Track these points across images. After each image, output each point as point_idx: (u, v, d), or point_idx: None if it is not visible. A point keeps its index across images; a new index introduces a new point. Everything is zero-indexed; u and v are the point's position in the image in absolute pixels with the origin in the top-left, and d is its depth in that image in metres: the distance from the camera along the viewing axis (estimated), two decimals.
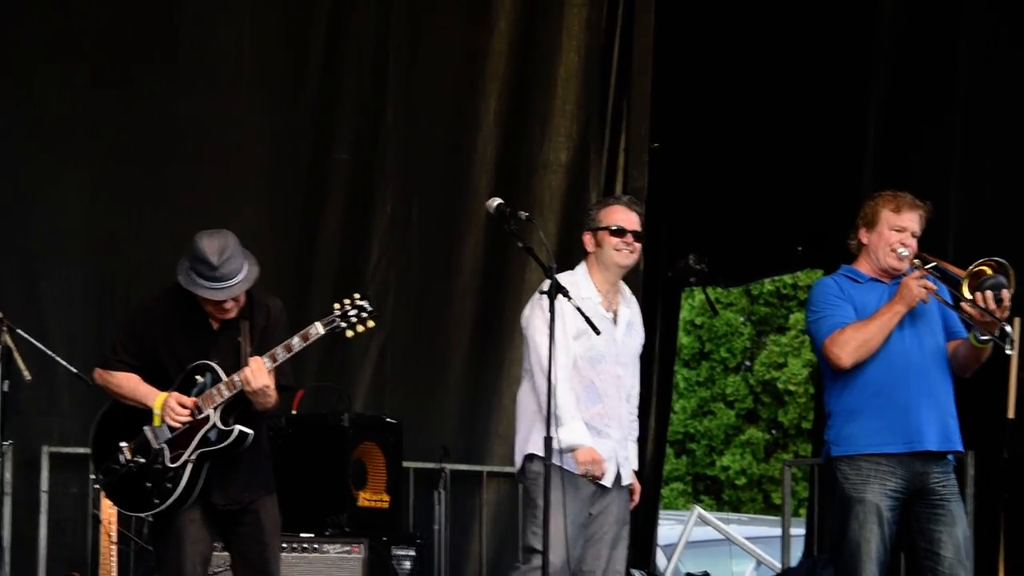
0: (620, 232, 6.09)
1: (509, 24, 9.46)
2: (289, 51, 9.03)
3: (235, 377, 5.80)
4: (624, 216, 6.11)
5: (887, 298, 6.04)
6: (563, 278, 5.92)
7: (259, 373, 5.76)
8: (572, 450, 5.96)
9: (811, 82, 9.31)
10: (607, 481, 6.03)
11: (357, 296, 5.83)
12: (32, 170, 8.46)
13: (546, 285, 5.80)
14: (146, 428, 5.93)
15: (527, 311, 6.12)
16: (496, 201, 6.01)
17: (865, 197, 6.12)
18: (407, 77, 9.25)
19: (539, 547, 5.76)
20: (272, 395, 5.86)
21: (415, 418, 8.87)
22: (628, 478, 6.14)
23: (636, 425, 6.29)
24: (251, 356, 5.81)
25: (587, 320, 5.83)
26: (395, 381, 9.18)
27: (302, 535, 7.43)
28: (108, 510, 6.77)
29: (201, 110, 8.77)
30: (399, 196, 9.24)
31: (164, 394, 5.89)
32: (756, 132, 9.60)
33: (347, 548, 7.46)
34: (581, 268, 6.17)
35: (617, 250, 6.09)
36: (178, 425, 5.84)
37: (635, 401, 6.25)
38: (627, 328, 6.14)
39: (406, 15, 9.25)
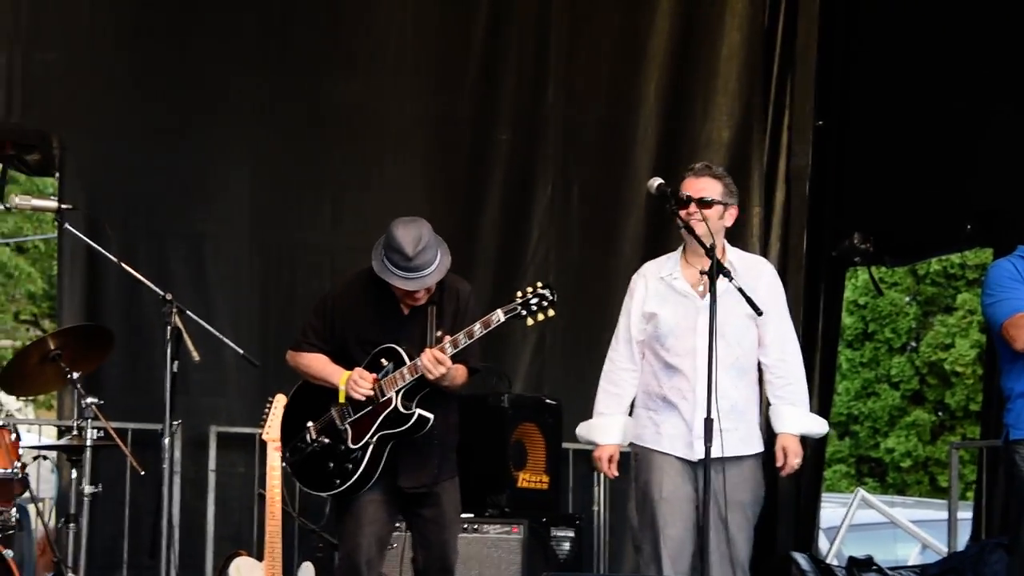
0: (683, 202, 5.99)
1: (671, 2, 9.41)
2: (451, 33, 9.08)
3: (417, 362, 5.85)
4: (691, 185, 6.03)
5: None
6: (659, 261, 6.14)
7: (438, 361, 5.80)
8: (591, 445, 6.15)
9: (982, 54, 9.09)
10: (687, 455, 5.95)
11: (539, 284, 5.90)
12: (199, 155, 8.63)
13: (648, 268, 6.10)
14: (333, 408, 6.04)
15: None
16: (657, 181, 5.99)
17: None
18: (568, 57, 9.25)
19: (636, 528, 5.95)
20: (456, 377, 5.93)
21: (575, 399, 8.84)
22: (728, 450, 5.86)
23: (792, 389, 6.09)
24: (438, 340, 5.86)
25: (747, 300, 5.78)
26: (555, 362, 9.20)
27: (462, 515, 7.46)
28: (274, 490, 6.86)
29: (363, 93, 8.87)
30: (559, 176, 9.25)
31: (348, 372, 5.97)
32: (923, 107, 9.40)
33: (507, 528, 7.50)
34: (680, 248, 6.15)
35: (684, 220, 5.98)
36: (360, 397, 5.92)
37: (779, 368, 6.07)
38: (725, 297, 5.89)
39: None
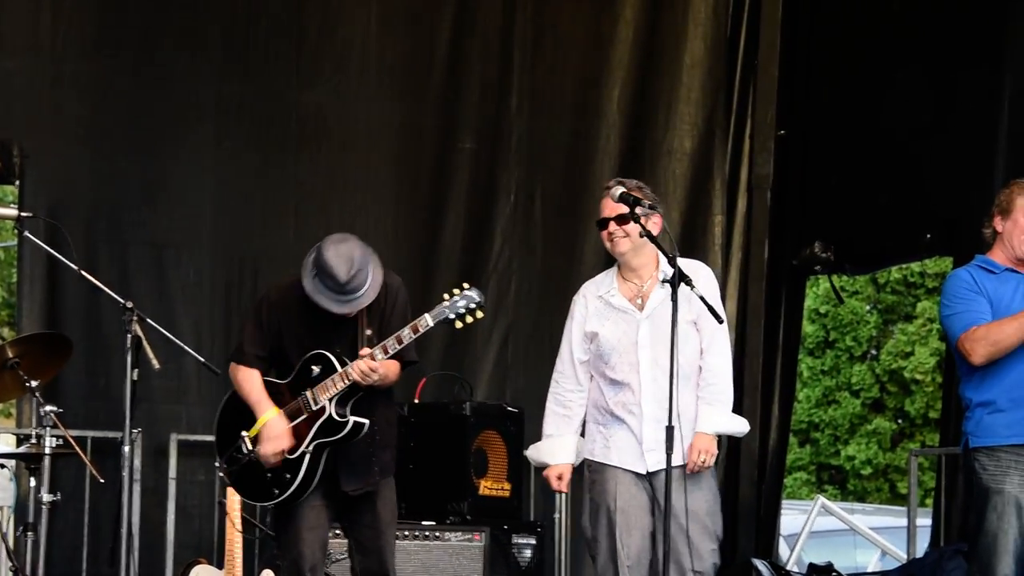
0: (601, 224, 6.07)
1: (635, 11, 9.43)
2: (415, 40, 9.08)
3: (348, 368, 5.85)
4: (605, 206, 6.07)
5: (1022, 288, 5.94)
6: (598, 280, 6.18)
7: (371, 369, 5.81)
8: (542, 466, 6.19)
9: (942, 66, 9.15)
10: (638, 468, 5.99)
11: (465, 286, 5.88)
12: (160, 162, 8.60)
13: (586, 288, 6.12)
14: None
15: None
16: (620, 189, 6.00)
17: (996, 183, 5.99)
18: (532, 65, 9.27)
19: (592, 540, 5.98)
20: (389, 375, 5.91)
21: (537, 407, 8.80)
22: (675, 460, 5.88)
23: (712, 389, 6.09)
24: (369, 339, 5.87)
25: (709, 308, 5.82)
26: (517, 369, 9.21)
27: (423, 523, 7.48)
28: (233, 498, 6.85)
29: (327, 100, 8.86)
30: (523, 184, 9.26)
31: (273, 411, 5.94)
32: (884, 118, 9.46)
33: (468, 536, 7.50)
34: (615, 265, 6.18)
35: (609, 243, 6.07)
36: (267, 458, 5.90)
37: (710, 373, 6.08)
38: (661, 307, 5.98)
39: (532, 3, 9.25)
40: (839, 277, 10.86)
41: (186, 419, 8.33)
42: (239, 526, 6.91)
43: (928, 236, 9.25)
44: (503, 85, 9.19)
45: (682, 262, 6.06)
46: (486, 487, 7.92)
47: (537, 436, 8.65)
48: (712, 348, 6.14)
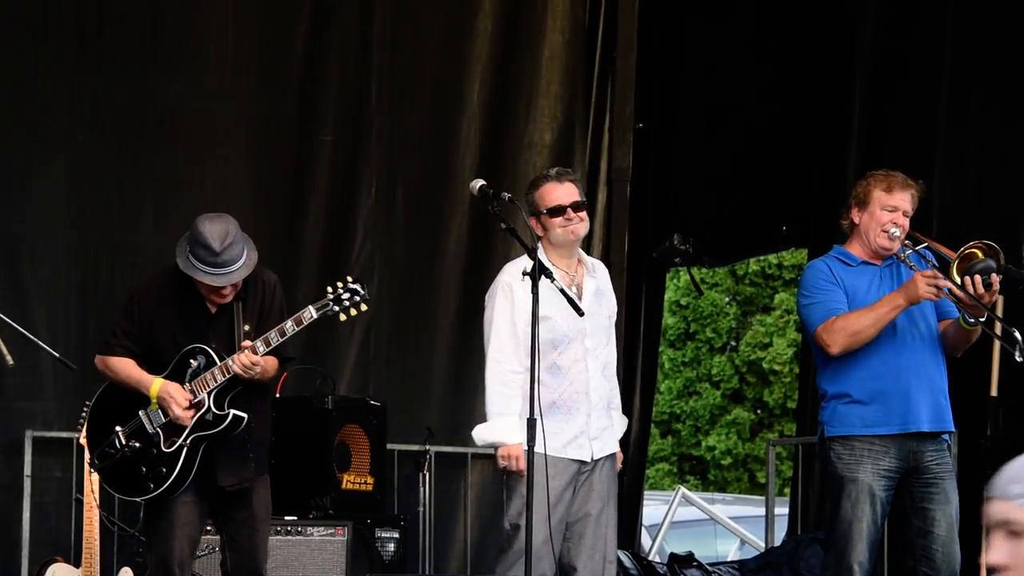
0: (560, 210, 6.06)
1: (493, 4, 9.44)
2: (272, 33, 9.00)
3: (228, 362, 5.81)
4: (559, 191, 6.09)
5: (878, 281, 6.04)
6: (521, 261, 6.04)
7: (250, 363, 5.77)
8: (494, 447, 6.07)
9: (796, 60, 9.29)
10: (584, 457, 6.03)
11: (350, 279, 5.87)
12: (14, 154, 8.43)
13: (516, 266, 5.94)
14: (141, 412, 5.95)
15: (489, 294, 6.15)
16: (479, 183, 6.00)
17: (850, 176, 6.06)
18: (391, 58, 9.23)
19: (520, 525, 5.84)
20: (268, 370, 5.89)
21: (400, 400, 8.87)
22: (608, 448, 6.09)
23: (616, 393, 6.27)
24: (247, 335, 5.83)
25: (569, 300, 5.84)
26: (380, 363, 9.18)
27: (286, 518, 7.43)
28: (91, 495, 6.75)
29: (185, 92, 8.74)
30: (384, 178, 9.23)
31: (159, 380, 5.89)
32: (741, 110, 9.58)
33: (331, 530, 7.45)
34: (539, 252, 6.15)
35: (563, 228, 6.06)
36: (174, 416, 5.85)
37: (612, 370, 6.23)
38: (595, 298, 6.09)
39: None
40: (698, 269, 10.97)
41: (42, 416, 8.18)
42: (98, 523, 6.81)
43: (784, 228, 9.39)
44: (362, 77, 9.15)
45: (594, 259, 6.20)
46: (349, 481, 7.88)
47: (400, 429, 8.72)
48: (613, 349, 6.25)
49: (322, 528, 7.45)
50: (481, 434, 6.15)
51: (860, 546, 5.89)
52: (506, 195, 5.98)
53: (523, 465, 5.95)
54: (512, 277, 6.11)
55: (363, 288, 5.84)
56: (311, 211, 9.04)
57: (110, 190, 8.60)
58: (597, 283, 6.14)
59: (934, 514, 5.94)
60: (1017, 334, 5.82)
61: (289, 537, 7.36)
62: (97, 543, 6.66)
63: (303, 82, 9.03)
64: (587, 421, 6.04)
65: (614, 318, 6.25)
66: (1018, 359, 5.84)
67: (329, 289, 5.83)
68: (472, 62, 9.40)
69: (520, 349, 6.01)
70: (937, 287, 5.84)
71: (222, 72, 8.81)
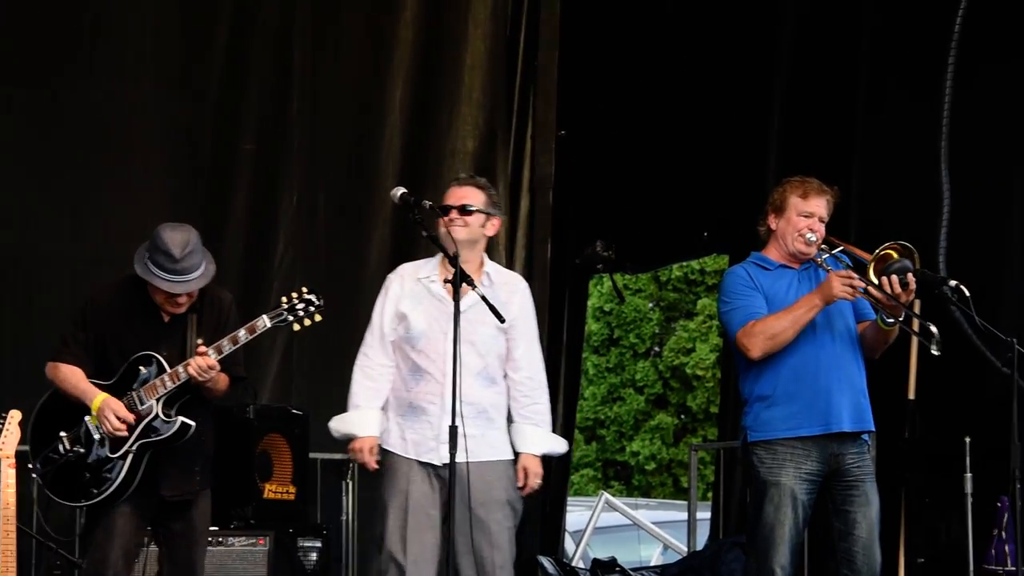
0: (445, 209, 6.11)
1: (415, 12, 9.43)
2: (192, 41, 8.95)
3: (179, 368, 5.79)
4: (453, 193, 6.15)
5: (796, 284, 6.10)
6: (418, 264, 6.20)
7: (209, 366, 5.76)
8: (347, 439, 6.13)
9: (716, 68, 9.38)
10: (433, 460, 6.02)
11: (305, 290, 5.92)
12: None
13: (403, 269, 6.11)
14: (87, 418, 5.93)
15: None
16: (400, 190, 6.03)
17: (768, 182, 6.12)
18: (312, 66, 9.21)
19: (379, 536, 5.97)
20: (219, 384, 5.90)
21: (323, 409, 8.79)
22: (478, 455, 6.01)
23: (537, 408, 6.21)
24: (201, 347, 5.80)
25: (491, 308, 5.85)
26: (302, 372, 9.14)
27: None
28: (8, 508, 6.68)
29: (103, 102, 8.69)
30: (305, 186, 9.20)
31: (103, 395, 5.87)
32: (662, 119, 9.65)
33: (252, 540, 7.43)
34: (439, 254, 6.20)
35: (444, 227, 6.10)
36: (109, 432, 5.82)
37: (523, 385, 6.18)
38: (478, 306, 6.05)
39: (311, 3, 9.20)
40: (621, 276, 11.04)
41: None
42: (14, 533, 6.75)
43: (705, 234, 9.47)
44: (283, 86, 9.12)
45: (503, 271, 6.23)
46: (271, 491, 7.85)
47: (323, 438, 8.65)
48: (532, 363, 6.23)
49: (243, 538, 7.43)
50: (336, 424, 6.21)
51: (782, 549, 5.94)
52: (427, 203, 6.01)
53: (370, 460, 6.05)
54: (396, 274, 6.20)
55: (318, 299, 5.89)
56: (231, 220, 8.99)
57: (27, 199, 8.53)
58: (491, 293, 6.03)
59: (855, 516, 6.01)
60: (933, 328, 5.91)
61: (210, 548, 7.31)
62: (14, 555, 6.59)
63: (223, 90, 8.99)
64: (440, 423, 6.01)
65: (514, 331, 6.15)
66: (935, 352, 5.93)
67: (284, 299, 5.87)
68: (394, 70, 9.39)
69: (387, 343, 6.12)
70: (852, 286, 5.92)
71: (141, 80, 8.75)
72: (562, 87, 9.91)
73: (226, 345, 5.81)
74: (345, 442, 6.24)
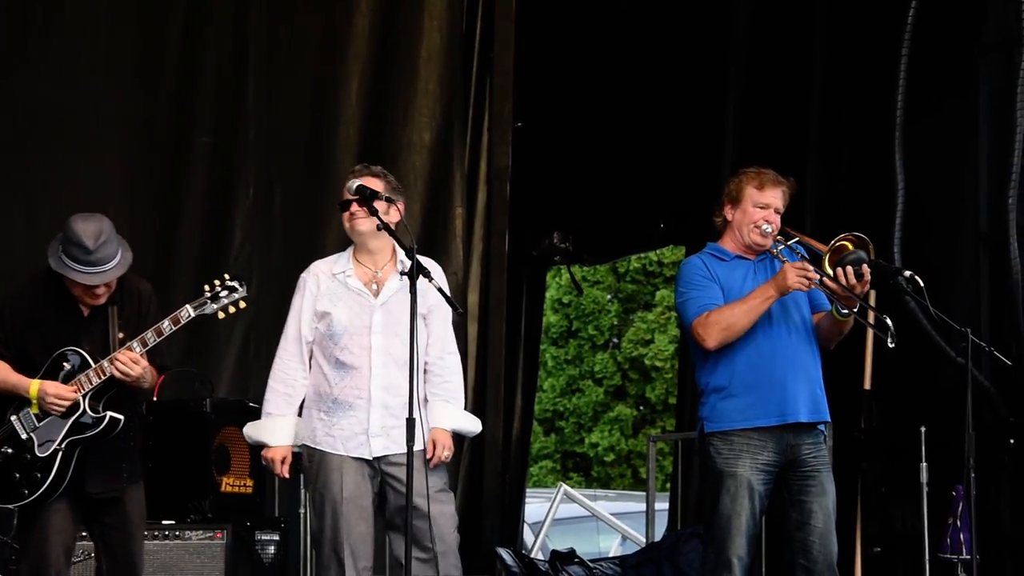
0: (344, 205, 6.08)
1: (370, 5, 9.42)
2: (147, 34, 8.92)
3: (105, 363, 5.74)
4: (347, 186, 6.08)
5: (752, 275, 6.11)
6: (331, 259, 6.16)
7: (133, 360, 5.71)
8: (260, 446, 6.12)
9: (671, 60, 9.39)
10: (364, 455, 6.00)
11: (227, 277, 5.85)
12: None
13: (315, 267, 6.07)
14: (12, 418, 5.87)
15: None
16: (356, 183, 6.00)
17: (724, 173, 6.13)
18: (268, 59, 9.18)
19: (317, 531, 5.93)
20: (146, 378, 5.84)
21: None
22: (393, 448, 6.02)
23: (449, 386, 6.19)
24: (121, 342, 5.77)
25: (446, 298, 5.85)
26: (260, 365, 9.09)
27: (164, 522, 7.37)
28: None
29: (57, 95, 8.65)
30: (262, 179, 9.18)
31: (37, 382, 5.81)
32: (618, 110, 9.67)
33: (209, 534, 7.41)
34: (350, 248, 6.19)
35: (348, 223, 6.08)
36: (59, 412, 5.77)
37: (438, 366, 6.16)
38: (397, 296, 6.04)
39: None
40: (579, 267, 11.06)
41: None
42: None
43: (661, 226, 9.50)
44: (239, 79, 9.09)
45: (417, 257, 6.11)
46: (228, 484, 7.83)
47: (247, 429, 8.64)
48: (446, 345, 6.20)
49: (200, 532, 7.40)
50: (249, 431, 6.19)
51: (739, 540, 5.97)
52: (384, 195, 5.99)
53: (281, 470, 6.05)
54: (309, 273, 6.15)
55: (241, 285, 5.83)
56: (187, 214, 8.97)
57: None
58: (405, 285, 5.94)
59: (811, 506, 6.03)
60: (888, 321, 5.94)
61: (167, 542, 7.29)
62: None
63: (179, 83, 8.96)
64: (367, 418, 6.01)
65: (432, 315, 6.12)
66: (890, 344, 5.96)
67: (206, 287, 5.80)
68: (350, 62, 9.37)
69: (303, 346, 6.08)
70: (807, 278, 5.95)
71: (95, 72, 8.72)
72: (518, 78, 9.93)
73: (151, 337, 5.76)
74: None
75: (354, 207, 6.02)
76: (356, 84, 9.40)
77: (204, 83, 9.03)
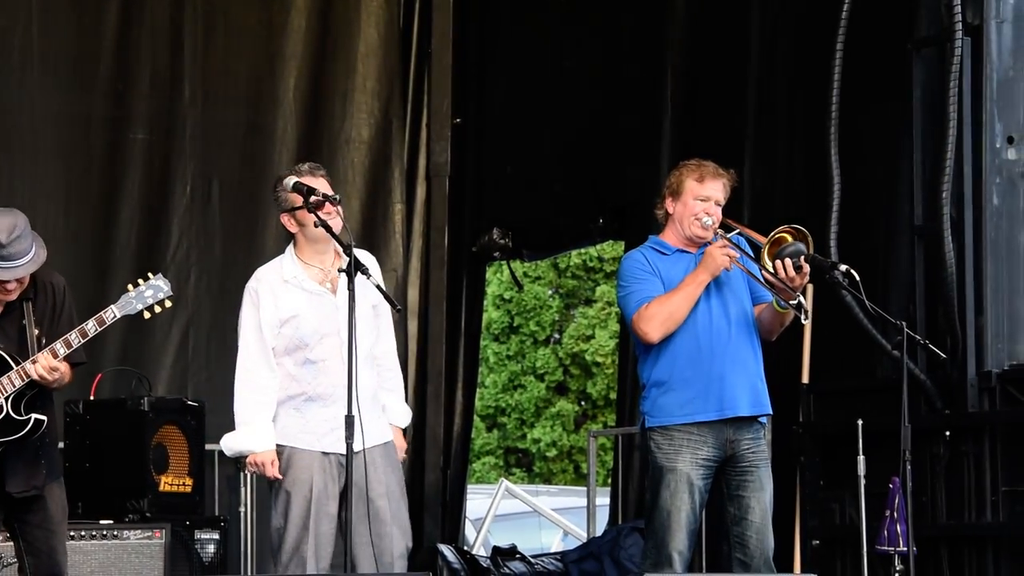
0: (319, 204, 5.94)
1: (306, 1, 9.39)
2: (80, 29, 8.86)
3: (27, 366, 5.68)
4: (319, 184, 6.00)
5: (693, 268, 6.12)
6: (274, 265, 6.08)
7: (53, 368, 5.66)
8: (242, 456, 6.06)
9: (608, 55, 9.40)
10: (341, 449, 5.92)
11: (151, 275, 5.79)
12: None
13: (262, 273, 5.99)
14: None
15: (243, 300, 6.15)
16: (292, 179, 5.97)
17: (663, 169, 6.13)
18: (204, 54, 9.15)
19: (281, 528, 5.91)
20: (65, 377, 5.77)
21: (220, 399, 8.72)
22: (375, 439, 6.04)
23: (398, 381, 6.24)
24: (37, 339, 5.70)
25: (386, 296, 5.85)
26: (199, 363, 9.09)
27: (101, 522, 7.32)
28: None
29: None
30: (199, 176, 9.14)
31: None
32: (556, 106, 9.67)
33: (148, 533, 7.37)
34: (288, 250, 6.11)
35: (324, 218, 5.93)
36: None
37: (387, 360, 6.19)
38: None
39: None
40: (519, 263, 11.06)
41: None
42: None
43: (600, 221, 9.50)
44: (175, 74, 9.05)
45: (359, 252, 6.09)
46: (167, 483, 7.80)
47: (220, 428, 8.59)
48: (389, 337, 6.21)
49: (139, 531, 7.37)
50: (229, 443, 6.11)
51: (679, 535, 5.98)
52: (321, 191, 5.96)
53: (273, 471, 5.98)
54: (258, 282, 6.10)
55: (165, 284, 5.76)
56: (124, 211, 8.92)
57: None
58: (371, 280, 5.98)
59: (748, 501, 6.05)
60: (802, 299, 5.99)
61: (105, 541, 7.25)
62: None
63: (113, 79, 8.91)
64: (340, 413, 5.97)
65: (382, 306, 6.11)
66: (804, 321, 6.04)
67: (130, 287, 5.74)
68: (287, 58, 9.35)
69: (269, 353, 6.01)
70: (729, 255, 5.99)
71: (28, 69, 8.65)
72: (456, 74, 9.92)
73: (75, 338, 5.70)
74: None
75: (328, 207, 5.95)
76: (293, 80, 9.38)
77: (139, 79, 8.98)
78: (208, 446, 8.23)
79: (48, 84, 8.72)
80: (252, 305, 6.07)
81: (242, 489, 8.69)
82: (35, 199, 8.56)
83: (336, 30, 9.47)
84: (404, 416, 6.27)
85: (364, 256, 6.09)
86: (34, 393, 5.77)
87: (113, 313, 5.70)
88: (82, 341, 5.69)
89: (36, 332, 5.73)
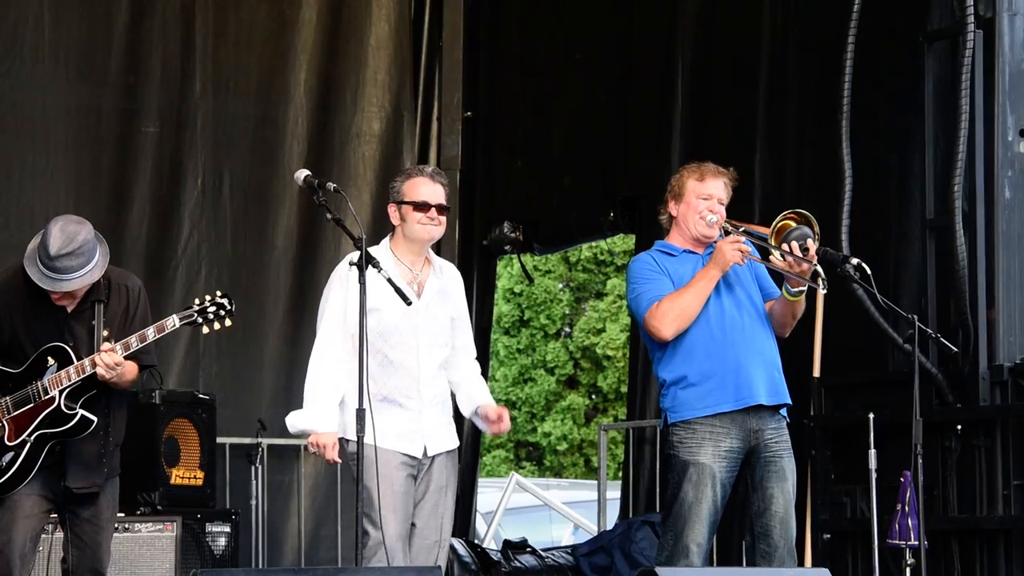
0: (424, 206, 6.03)
1: None
2: (91, 22, 8.88)
3: (86, 362, 5.73)
4: (429, 189, 6.05)
5: (702, 266, 6.12)
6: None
7: (112, 365, 5.69)
8: (304, 434, 6.02)
9: (620, 49, 9.40)
10: (416, 452, 6.03)
11: (219, 293, 5.84)
12: None
13: (355, 256, 5.80)
14: None
15: (328, 282, 6.12)
16: (303, 173, 5.97)
17: (674, 162, 6.11)
18: (215, 48, 9.16)
19: (369, 526, 5.83)
20: (126, 374, 5.81)
21: (231, 393, 8.81)
22: (445, 446, 6.10)
23: (476, 368, 6.25)
24: (105, 341, 5.74)
25: (397, 290, 5.83)
26: (210, 357, 9.11)
27: None
28: None
29: (2, 85, 8.58)
30: (210, 169, 9.15)
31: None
32: (567, 99, 9.67)
33: (159, 526, 7.40)
34: (385, 241, 6.15)
35: (422, 224, 6.03)
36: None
37: (463, 357, 6.19)
38: (437, 298, 6.11)
39: None
40: (530, 256, 11.05)
41: None
42: None
43: (611, 215, 9.50)
44: (186, 68, 9.06)
45: (447, 264, 6.19)
46: (178, 476, 7.84)
47: (232, 422, 8.65)
48: (473, 347, 6.25)
49: (151, 524, 7.40)
50: (293, 420, 6.06)
51: (699, 527, 5.97)
52: (331, 185, 5.95)
53: (332, 455, 5.94)
54: (350, 265, 6.08)
55: (230, 303, 5.80)
56: (135, 204, 8.93)
57: None
58: (442, 284, 6.09)
59: (772, 492, 6.04)
60: (819, 268, 5.99)
61: (117, 535, 7.26)
62: None
63: (124, 72, 8.92)
64: (419, 417, 6.01)
65: (461, 321, 6.17)
66: (822, 291, 6.01)
67: (197, 301, 5.80)
68: (297, 51, 9.36)
69: (348, 339, 5.96)
70: (740, 250, 5.99)
71: (40, 62, 8.66)
72: (468, 67, 9.92)
73: (134, 342, 5.74)
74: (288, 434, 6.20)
75: (433, 212, 6.00)
76: (304, 73, 9.38)
77: (150, 72, 8.99)
78: (219, 439, 8.26)
79: (59, 77, 8.74)
80: (341, 287, 6.00)
81: (253, 482, 8.71)
82: (45, 192, 8.59)
83: (347, 23, 9.48)
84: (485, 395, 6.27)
85: (450, 271, 6.16)
86: (95, 393, 5.83)
87: (174, 322, 5.76)
88: (140, 345, 5.73)
89: (106, 333, 5.77)
